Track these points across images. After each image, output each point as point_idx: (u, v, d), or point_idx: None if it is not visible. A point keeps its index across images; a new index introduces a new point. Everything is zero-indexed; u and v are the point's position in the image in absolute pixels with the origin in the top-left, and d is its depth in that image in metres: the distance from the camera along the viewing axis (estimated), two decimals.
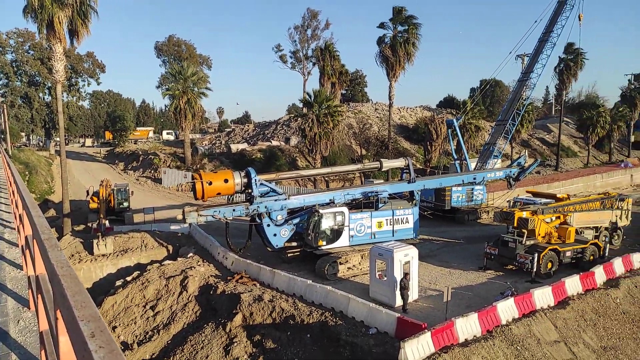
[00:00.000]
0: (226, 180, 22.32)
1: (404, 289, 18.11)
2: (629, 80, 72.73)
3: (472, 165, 43.66)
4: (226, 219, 22.76)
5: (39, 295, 3.99)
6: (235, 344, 17.25)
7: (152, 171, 50.08)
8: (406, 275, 18.20)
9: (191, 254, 25.96)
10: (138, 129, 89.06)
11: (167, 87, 49.42)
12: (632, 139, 78.28)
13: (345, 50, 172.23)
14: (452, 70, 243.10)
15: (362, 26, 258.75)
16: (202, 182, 21.84)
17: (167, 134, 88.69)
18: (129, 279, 23.46)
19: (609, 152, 72.62)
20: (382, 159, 28.83)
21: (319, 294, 18.82)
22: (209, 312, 20.07)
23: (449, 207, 34.84)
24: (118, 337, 19.74)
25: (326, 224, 23.03)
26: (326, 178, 46.46)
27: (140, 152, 57.24)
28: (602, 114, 65.08)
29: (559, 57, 61.03)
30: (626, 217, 28.67)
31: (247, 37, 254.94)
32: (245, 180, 22.58)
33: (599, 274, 20.96)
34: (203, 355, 17.22)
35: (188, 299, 21.18)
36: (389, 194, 25.85)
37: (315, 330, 16.76)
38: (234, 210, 22.61)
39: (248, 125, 77.21)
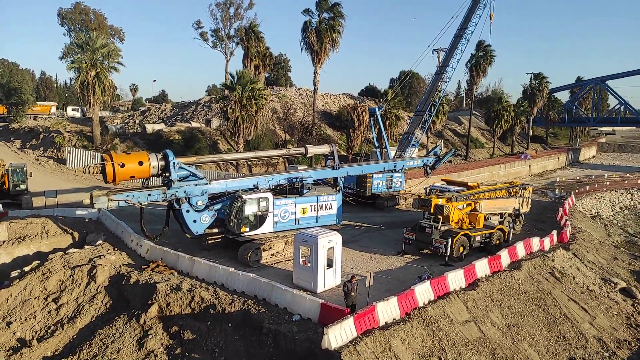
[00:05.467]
0: (141, 163, 20.74)
1: (350, 292, 16.19)
2: (530, 78, 79.51)
3: (392, 154, 45.21)
4: (141, 204, 21.22)
5: None
6: (151, 337, 16.23)
7: (55, 150, 45.41)
8: (352, 278, 16.55)
9: (100, 242, 23.92)
10: (38, 103, 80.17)
11: (72, 59, 44.54)
12: (531, 132, 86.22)
13: (269, 33, 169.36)
14: (373, 60, 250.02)
15: (286, 10, 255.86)
16: (113, 164, 20.08)
17: (73, 110, 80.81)
18: (27, 269, 21.03)
19: (511, 144, 79.23)
20: (307, 145, 28.70)
21: (242, 282, 18.29)
22: (120, 304, 18.66)
23: (370, 193, 35.77)
24: (14, 333, 17.69)
25: (249, 209, 22.41)
26: (249, 163, 45.46)
27: (40, 129, 51.55)
28: (507, 109, 70.69)
29: (471, 53, 64.99)
30: (527, 204, 31.41)
31: (164, 11, 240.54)
32: (162, 163, 21.16)
33: (504, 257, 22.73)
34: (114, 349, 15.99)
35: (97, 290, 19.51)
36: (314, 180, 25.80)
37: (237, 319, 16.26)
38: (149, 194, 21.12)
39: (165, 105, 73.01)
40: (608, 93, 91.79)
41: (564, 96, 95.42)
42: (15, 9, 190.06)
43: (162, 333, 16.45)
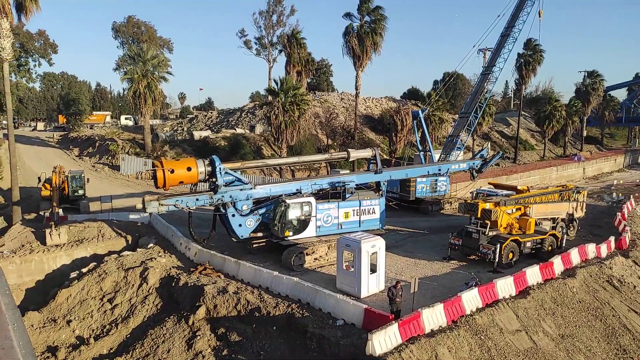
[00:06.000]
0: (189, 169, 21.48)
1: (394, 298, 15.96)
2: (583, 76, 75.83)
3: (436, 157, 44.38)
4: (189, 208, 21.94)
5: None
6: (199, 338, 16.71)
7: (110, 158, 47.91)
8: (397, 284, 16.37)
9: (152, 245, 24.95)
10: (94, 113, 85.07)
11: (125, 70, 47.03)
12: (585, 133, 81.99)
13: (311, 38, 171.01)
14: (415, 62, 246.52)
15: (327, 15, 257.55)
16: (163, 170, 20.91)
17: (126, 119, 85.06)
18: (84, 270, 22.25)
19: (563, 145, 75.73)
20: (349, 149, 28.68)
21: (286, 286, 18.49)
22: (170, 305, 19.35)
23: (414, 197, 35.24)
24: (73, 331, 18.73)
25: (293, 214, 22.65)
26: (292, 167, 46.02)
27: (96, 138, 54.61)
28: (558, 109, 67.71)
29: (518, 52, 62.83)
30: (581, 208, 29.87)
31: (210, 21, 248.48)
32: (209, 168, 21.82)
33: (557, 264, 21.69)
34: (164, 349, 16.58)
35: (148, 291, 20.34)
36: (356, 185, 25.74)
37: (282, 323, 16.45)
38: (197, 199, 21.81)
39: (211, 112, 75.27)
40: None
41: (621, 94, 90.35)
42: (73, 23, 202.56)
43: (210, 334, 16.89)
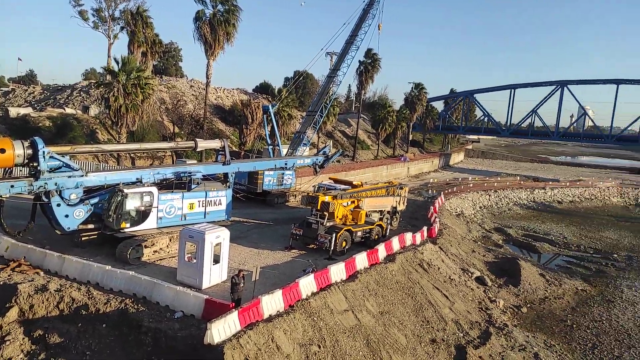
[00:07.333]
0: (3, 150, 18.43)
1: (236, 285, 16.29)
2: (411, 87, 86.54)
3: (284, 151, 46.01)
4: (1, 196, 18.87)
5: None
6: (8, 343, 14.60)
7: None
8: (239, 272, 16.60)
9: None
10: None
11: None
12: (411, 137, 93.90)
13: (159, 18, 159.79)
14: (269, 57, 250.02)
15: None
16: None
17: None
18: None
19: (393, 147, 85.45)
20: (197, 139, 28.00)
21: (119, 280, 17.34)
22: None
23: (261, 190, 36.06)
24: None
25: (131, 204, 21.22)
26: (132, 155, 42.76)
27: None
28: (391, 114, 76.13)
29: (360, 60, 68.72)
30: (403, 202, 34.37)
31: None
32: (29, 151, 19.01)
33: (382, 251, 24.71)
34: None
35: None
36: (203, 175, 25.31)
37: (114, 319, 15.41)
38: (12, 186, 18.79)
39: (34, 87, 64.97)
40: (475, 105, 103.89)
41: (439, 105, 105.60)
42: None
43: (23, 338, 14.90)
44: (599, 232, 49.54)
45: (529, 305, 27.89)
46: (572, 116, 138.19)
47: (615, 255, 40.38)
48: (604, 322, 26.52)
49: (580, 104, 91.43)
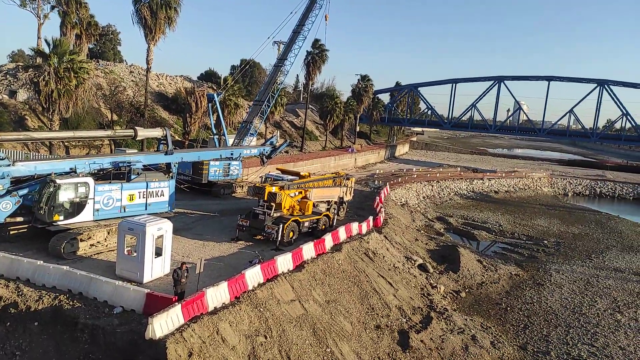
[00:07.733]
0: None
1: (179, 279, 15.97)
2: (358, 79, 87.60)
3: (230, 141, 45.16)
4: None
5: None
6: None
7: None
8: (182, 265, 16.23)
9: None
10: None
11: None
12: (358, 129, 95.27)
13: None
14: (214, 44, 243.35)
15: None
16: None
17: None
18: None
19: (341, 138, 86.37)
20: (136, 127, 26.89)
21: (53, 276, 16.35)
22: None
23: (206, 180, 35.23)
24: None
25: (64, 196, 20.01)
26: (66, 143, 40.30)
27: None
28: (339, 105, 76.78)
29: (307, 50, 68.54)
30: (350, 193, 34.88)
31: None
32: None
33: (328, 241, 24.96)
34: None
35: None
36: (144, 165, 24.33)
37: (46, 317, 14.55)
38: None
39: None
40: (420, 98, 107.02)
41: (386, 98, 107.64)
42: None
43: None
44: (531, 220, 52.88)
45: (467, 290, 29.33)
46: (508, 110, 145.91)
47: (546, 242, 43.30)
48: (535, 304, 28.43)
49: (515, 99, 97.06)
